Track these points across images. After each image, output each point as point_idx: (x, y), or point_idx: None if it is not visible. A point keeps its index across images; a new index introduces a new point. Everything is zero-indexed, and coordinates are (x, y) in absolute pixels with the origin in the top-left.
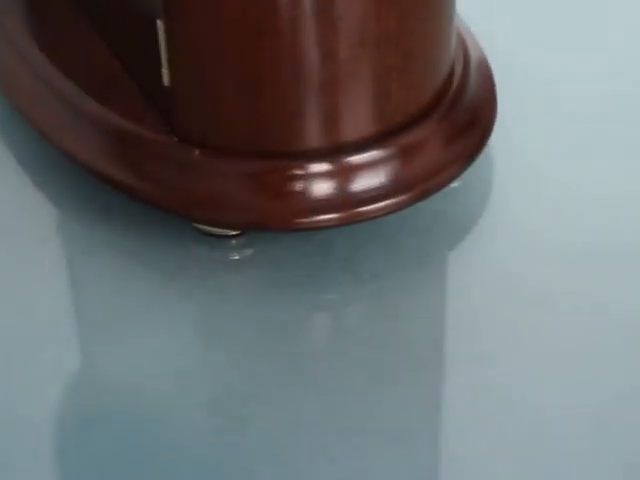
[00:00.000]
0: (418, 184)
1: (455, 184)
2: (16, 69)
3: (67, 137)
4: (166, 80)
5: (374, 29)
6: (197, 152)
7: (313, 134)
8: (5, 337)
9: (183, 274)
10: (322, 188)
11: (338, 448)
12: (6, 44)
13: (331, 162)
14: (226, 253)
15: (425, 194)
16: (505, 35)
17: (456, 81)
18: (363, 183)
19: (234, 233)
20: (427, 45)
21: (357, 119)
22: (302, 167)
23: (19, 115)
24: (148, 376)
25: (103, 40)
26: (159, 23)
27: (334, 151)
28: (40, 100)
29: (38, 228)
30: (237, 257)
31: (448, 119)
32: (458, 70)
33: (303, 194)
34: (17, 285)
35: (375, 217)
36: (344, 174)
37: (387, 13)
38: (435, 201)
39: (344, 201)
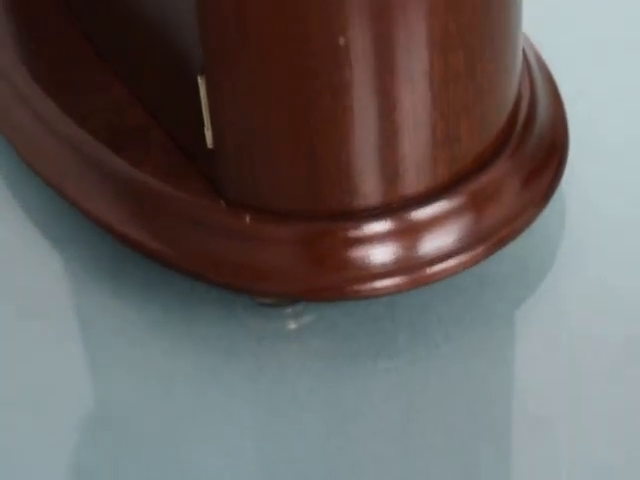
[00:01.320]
0: (492, 235)
1: None
2: (27, 124)
3: (95, 202)
4: (209, 141)
5: (441, 69)
6: (248, 217)
7: (374, 189)
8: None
9: (237, 352)
10: (384, 250)
11: None
12: (19, 103)
13: (394, 219)
14: (282, 323)
15: (500, 245)
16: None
17: (524, 106)
18: (431, 241)
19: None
20: (499, 79)
21: (423, 168)
22: (361, 227)
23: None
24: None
25: (133, 95)
26: (200, 80)
27: (397, 207)
28: (61, 161)
29: (70, 306)
30: (294, 326)
31: (521, 153)
32: (525, 93)
33: (362, 258)
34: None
35: (445, 278)
36: (409, 232)
37: (454, 51)
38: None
39: (410, 263)
